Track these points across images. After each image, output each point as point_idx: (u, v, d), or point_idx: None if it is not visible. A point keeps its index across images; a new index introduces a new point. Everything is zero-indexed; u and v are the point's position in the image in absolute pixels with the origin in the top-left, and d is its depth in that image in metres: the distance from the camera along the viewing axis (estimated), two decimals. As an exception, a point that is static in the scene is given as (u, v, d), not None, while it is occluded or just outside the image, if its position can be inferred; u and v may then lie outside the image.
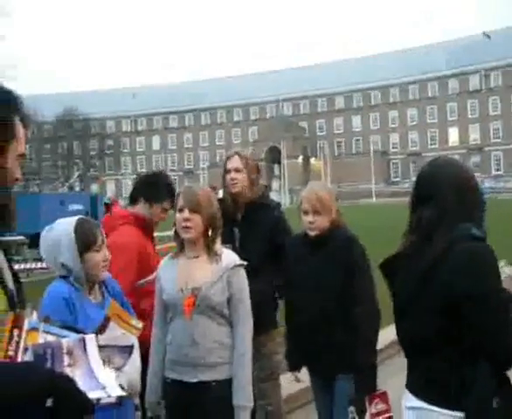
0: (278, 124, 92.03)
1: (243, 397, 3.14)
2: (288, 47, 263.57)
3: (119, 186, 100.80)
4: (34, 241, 16.39)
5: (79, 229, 2.95)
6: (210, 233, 3.19)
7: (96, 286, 3.05)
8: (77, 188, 42.18)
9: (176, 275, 3.23)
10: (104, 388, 1.57)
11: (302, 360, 3.84)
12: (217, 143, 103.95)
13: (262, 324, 3.61)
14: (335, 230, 3.69)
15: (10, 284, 1.72)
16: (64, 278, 2.97)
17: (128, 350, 2.34)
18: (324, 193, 3.72)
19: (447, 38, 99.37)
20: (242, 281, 3.25)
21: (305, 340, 3.73)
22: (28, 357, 1.56)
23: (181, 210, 3.19)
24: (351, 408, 3.53)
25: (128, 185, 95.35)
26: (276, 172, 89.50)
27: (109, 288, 3.13)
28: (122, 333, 2.34)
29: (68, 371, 1.55)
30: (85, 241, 2.93)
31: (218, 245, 3.25)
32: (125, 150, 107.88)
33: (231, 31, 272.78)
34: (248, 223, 4.23)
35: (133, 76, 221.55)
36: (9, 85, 1.80)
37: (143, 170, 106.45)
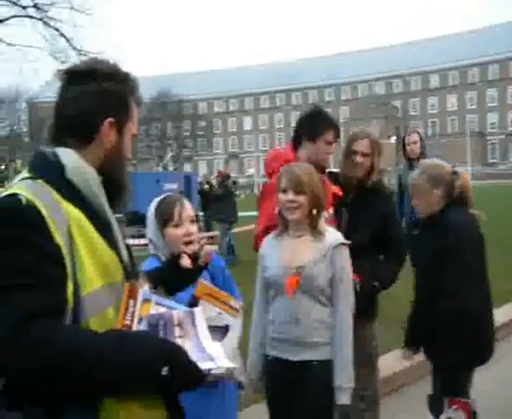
0: (370, 103, 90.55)
1: (344, 378, 3.10)
2: (380, 25, 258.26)
3: (210, 166, 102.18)
4: (132, 218, 16.91)
5: (159, 205, 3.00)
6: (314, 212, 3.15)
7: None
8: (170, 168, 43.05)
9: (280, 254, 3.22)
10: (213, 359, 1.61)
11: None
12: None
13: (360, 308, 3.46)
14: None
15: (125, 256, 1.78)
16: (156, 255, 3.01)
17: (220, 331, 2.22)
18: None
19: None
20: (345, 260, 3.20)
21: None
22: (142, 327, 1.62)
23: (284, 191, 3.16)
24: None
25: (219, 165, 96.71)
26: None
27: (210, 268, 3.00)
28: (218, 312, 2.24)
29: (179, 342, 1.60)
30: (162, 217, 2.97)
31: (322, 224, 3.20)
32: (217, 131, 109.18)
33: (321, 11, 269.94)
34: (358, 206, 4.04)
35: (225, 57, 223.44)
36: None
37: (235, 150, 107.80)
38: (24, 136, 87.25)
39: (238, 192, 14.90)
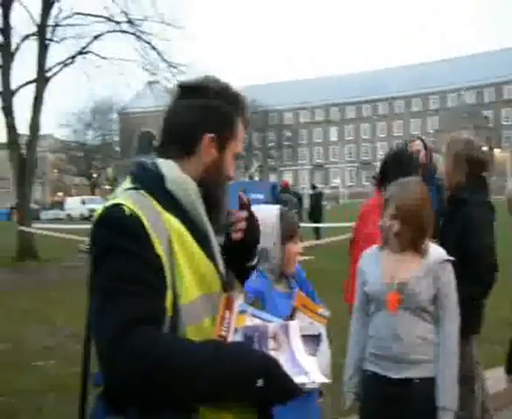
0: (459, 113, 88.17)
1: (449, 399, 3.04)
2: (469, 32, 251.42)
3: (296, 177, 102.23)
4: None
5: (284, 218, 2.99)
6: (417, 239, 3.12)
7: (284, 277, 3.07)
8: (256, 178, 43.40)
9: (381, 269, 3.19)
10: (306, 373, 1.62)
11: None
12: (395, 134, 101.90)
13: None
14: None
15: (222, 267, 1.81)
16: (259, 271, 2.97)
17: (316, 339, 2.28)
18: None
19: None
20: (450, 276, 3.14)
21: None
22: (238, 338, 1.65)
23: (389, 218, 3.14)
24: None
25: (304, 176, 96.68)
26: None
27: (296, 277, 3.13)
28: (310, 322, 2.32)
29: (272, 355, 1.62)
30: (289, 230, 2.97)
31: (426, 240, 3.16)
32: (302, 141, 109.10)
33: (406, 19, 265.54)
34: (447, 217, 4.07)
35: (309, 67, 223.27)
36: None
37: (320, 161, 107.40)
38: (116, 145, 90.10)
39: (324, 203, 14.85)
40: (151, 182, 1.73)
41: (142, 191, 1.70)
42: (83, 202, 58.60)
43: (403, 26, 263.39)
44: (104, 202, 1.76)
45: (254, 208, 3.06)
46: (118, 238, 1.58)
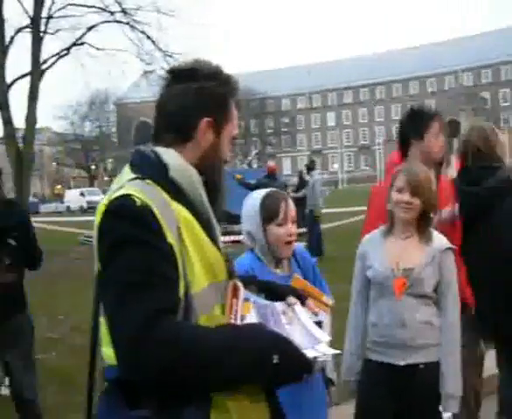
0: (457, 95, 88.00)
1: (453, 385, 3.05)
2: (467, 13, 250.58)
3: (294, 163, 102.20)
4: (219, 215, 17.12)
5: (265, 200, 2.95)
6: (427, 216, 3.14)
7: (285, 259, 3.03)
8: (255, 165, 43.31)
9: (386, 254, 3.17)
10: (321, 342, 1.65)
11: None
12: (393, 118, 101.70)
13: None
14: None
15: (224, 254, 1.81)
16: (251, 250, 3.02)
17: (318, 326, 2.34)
18: None
19: None
20: (452, 264, 3.16)
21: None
22: (253, 318, 1.68)
23: (400, 191, 3.13)
24: None
25: (303, 162, 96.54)
26: (455, 146, 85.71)
27: (300, 261, 3.10)
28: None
29: (288, 329, 1.65)
30: (267, 213, 2.93)
31: (430, 228, 3.18)
32: (300, 127, 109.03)
33: (401, 3, 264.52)
34: None
35: (306, 53, 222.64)
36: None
37: (318, 147, 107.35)
38: (113, 137, 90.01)
39: (324, 188, 14.81)
40: (155, 172, 1.70)
41: (148, 180, 1.67)
42: (82, 195, 58.59)
43: (398, 10, 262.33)
44: (102, 193, 1.73)
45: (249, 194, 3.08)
46: (131, 229, 1.56)
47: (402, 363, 3.08)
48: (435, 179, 3.86)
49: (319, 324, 2.32)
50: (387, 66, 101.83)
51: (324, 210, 16.86)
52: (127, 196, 1.60)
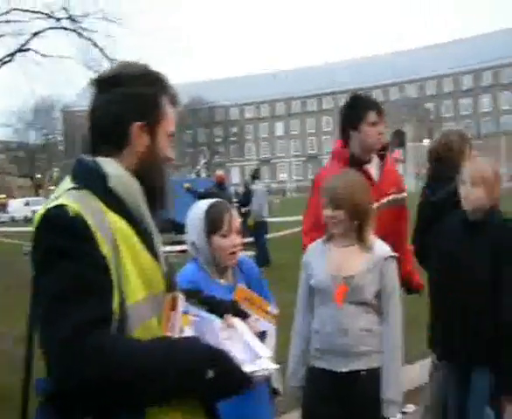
0: (402, 106, 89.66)
1: (394, 391, 3.09)
2: (410, 28, 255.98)
3: (243, 172, 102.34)
4: (166, 225, 16.96)
5: (210, 211, 2.97)
6: (356, 224, 3.14)
7: (229, 270, 3.04)
8: (203, 175, 43.24)
9: (328, 262, 3.20)
10: (261, 357, 1.64)
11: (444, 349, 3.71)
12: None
13: None
14: (493, 213, 3.55)
15: (164, 266, 1.78)
16: (195, 260, 3.02)
17: (262, 336, 2.24)
18: (487, 166, 3.55)
19: None
20: (394, 272, 3.19)
21: (449, 328, 3.60)
22: (189, 333, 1.65)
23: (324, 207, 3.16)
24: (488, 410, 3.43)
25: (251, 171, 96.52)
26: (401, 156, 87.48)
27: (245, 271, 3.10)
28: (256, 318, 2.27)
29: (227, 344, 1.63)
30: (211, 224, 2.94)
31: (370, 235, 3.19)
32: (248, 137, 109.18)
33: (350, 14, 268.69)
34: None
35: (255, 63, 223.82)
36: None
37: (266, 156, 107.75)
38: (60, 145, 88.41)
39: (271, 197, 14.87)
40: (93, 182, 1.68)
41: (85, 191, 1.65)
42: (27, 204, 57.32)
43: (348, 20, 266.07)
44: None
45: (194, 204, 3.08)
46: (63, 240, 1.53)
47: (344, 370, 3.11)
48: (379, 166, 3.93)
49: (263, 334, 2.29)
50: (334, 77, 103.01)
51: (273, 219, 16.91)
52: (61, 207, 1.58)
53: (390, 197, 3.80)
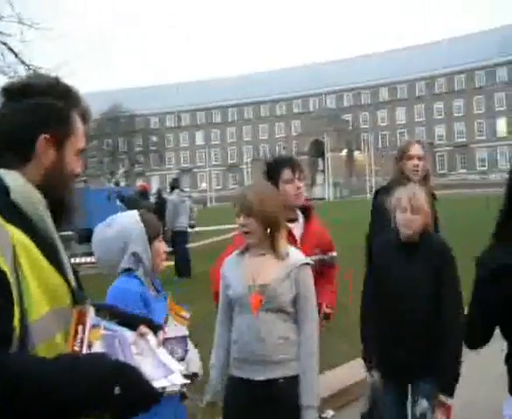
0: (321, 117, 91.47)
1: (311, 397, 3.12)
2: (330, 39, 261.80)
3: (163, 181, 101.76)
4: (83, 236, 16.58)
5: (146, 219, 3.04)
6: (269, 232, 3.17)
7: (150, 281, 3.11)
8: (122, 184, 42.73)
9: (243, 272, 3.21)
10: (173, 372, 1.62)
11: (381, 365, 3.72)
12: (261, 137, 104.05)
13: None
14: (428, 235, 3.67)
15: (72, 280, 1.72)
16: (127, 272, 3.00)
17: (184, 339, 2.52)
18: (422, 194, 3.67)
19: (499, 24, 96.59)
20: (309, 279, 3.22)
21: (389, 344, 3.64)
22: (98, 348, 1.59)
23: (237, 215, 3.20)
24: (424, 403, 3.53)
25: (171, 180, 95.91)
26: (320, 166, 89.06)
27: (155, 283, 3.18)
28: (175, 324, 2.50)
29: (138, 359, 1.60)
30: (152, 230, 3.03)
31: (284, 243, 3.21)
32: (169, 146, 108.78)
33: (275, 24, 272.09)
34: None
35: (176, 71, 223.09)
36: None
37: (187, 165, 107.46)
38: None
39: (191, 206, 14.78)
40: None
41: None
42: None
43: (267, 31, 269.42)
44: None
45: (111, 218, 3.07)
46: None
47: (261, 378, 3.13)
48: (303, 226, 3.96)
49: (184, 338, 2.52)
50: (255, 87, 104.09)
51: (192, 229, 16.84)
52: None
53: (315, 257, 3.78)
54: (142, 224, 3.01)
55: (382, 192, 4.53)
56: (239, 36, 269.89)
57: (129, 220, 3.03)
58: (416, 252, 3.63)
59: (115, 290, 2.98)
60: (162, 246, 3.09)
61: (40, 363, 1.48)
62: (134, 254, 2.98)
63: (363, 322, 3.84)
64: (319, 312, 3.74)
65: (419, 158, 4.28)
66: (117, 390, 1.45)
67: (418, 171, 4.27)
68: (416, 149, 4.32)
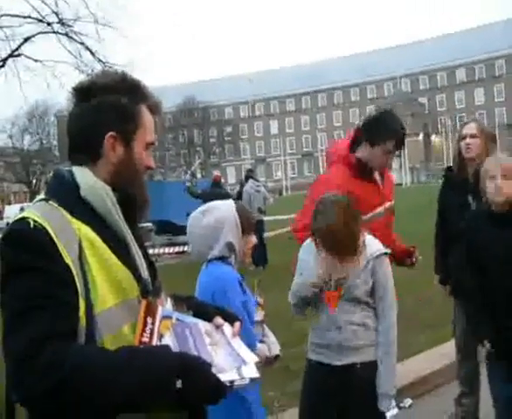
0: (396, 101, 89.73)
1: (388, 385, 3.15)
2: (404, 23, 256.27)
3: (239, 171, 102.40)
4: (161, 227, 16.91)
5: (241, 211, 3.09)
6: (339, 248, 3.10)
7: None
8: (199, 175, 43.24)
9: (319, 263, 3.17)
10: (247, 363, 1.61)
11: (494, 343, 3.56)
12: (335, 124, 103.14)
13: None
14: None
15: (144, 272, 1.75)
16: (221, 260, 3.06)
17: (261, 324, 2.80)
18: (510, 160, 3.59)
19: None
20: (387, 269, 3.23)
21: (500, 321, 3.49)
22: (168, 339, 1.60)
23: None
24: None
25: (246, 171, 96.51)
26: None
27: None
28: (260, 312, 2.76)
29: (211, 350, 1.61)
30: (247, 223, 3.08)
31: (362, 238, 3.15)
32: (243, 136, 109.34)
33: (344, 11, 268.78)
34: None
35: (249, 62, 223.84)
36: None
37: (261, 155, 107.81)
38: (55, 150, 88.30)
39: (266, 195, 14.79)
40: (64, 192, 1.68)
41: (51, 201, 1.65)
42: (22, 210, 56.92)
43: (337, 17, 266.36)
44: None
45: (211, 205, 3.13)
46: (23, 255, 1.54)
47: (339, 363, 3.18)
48: (380, 177, 3.96)
49: (261, 323, 2.74)
50: (328, 74, 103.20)
51: (268, 218, 16.89)
52: (23, 220, 1.59)
53: (387, 205, 3.79)
54: (238, 215, 3.05)
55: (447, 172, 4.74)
56: (309, 23, 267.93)
57: (226, 209, 3.08)
58: (510, 222, 3.49)
59: (213, 275, 3.02)
60: (252, 240, 3.15)
61: (100, 355, 1.51)
62: (229, 243, 3.03)
63: (469, 297, 3.73)
64: (412, 254, 3.97)
65: (472, 136, 4.31)
66: (179, 384, 1.45)
67: (470, 149, 4.29)
68: (468, 128, 4.38)
